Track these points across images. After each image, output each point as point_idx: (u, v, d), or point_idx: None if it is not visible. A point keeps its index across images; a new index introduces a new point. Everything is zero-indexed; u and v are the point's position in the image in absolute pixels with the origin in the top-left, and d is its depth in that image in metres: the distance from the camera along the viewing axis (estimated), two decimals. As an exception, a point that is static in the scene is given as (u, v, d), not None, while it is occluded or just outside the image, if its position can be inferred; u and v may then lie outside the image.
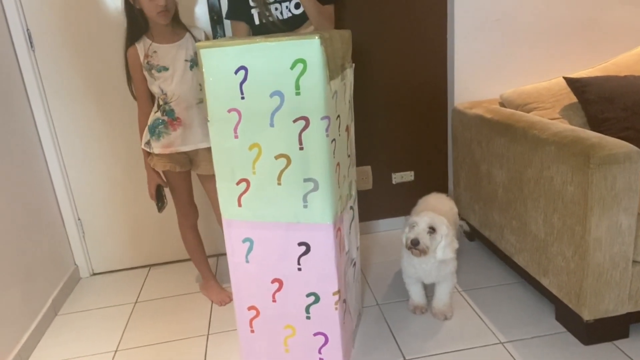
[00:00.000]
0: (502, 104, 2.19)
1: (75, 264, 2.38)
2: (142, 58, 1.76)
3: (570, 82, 2.00)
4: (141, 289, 2.25)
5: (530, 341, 1.64)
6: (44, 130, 2.18)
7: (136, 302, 2.13)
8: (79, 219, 2.34)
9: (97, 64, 2.16)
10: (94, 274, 2.43)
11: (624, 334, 1.60)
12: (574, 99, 2.00)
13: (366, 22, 2.24)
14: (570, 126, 1.67)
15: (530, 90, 2.11)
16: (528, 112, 2.03)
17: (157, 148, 1.83)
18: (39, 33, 2.09)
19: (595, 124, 1.90)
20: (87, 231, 2.37)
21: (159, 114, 1.81)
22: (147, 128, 1.84)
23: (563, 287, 1.62)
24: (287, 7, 1.81)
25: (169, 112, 1.80)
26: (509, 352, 1.60)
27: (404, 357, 1.62)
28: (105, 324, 2.00)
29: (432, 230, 1.62)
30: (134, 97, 1.86)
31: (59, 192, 2.27)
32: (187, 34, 1.82)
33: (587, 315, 1.55)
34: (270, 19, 1.81)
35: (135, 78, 1.81)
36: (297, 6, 1.80)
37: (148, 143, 1.84)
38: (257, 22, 1.84)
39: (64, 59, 2.14)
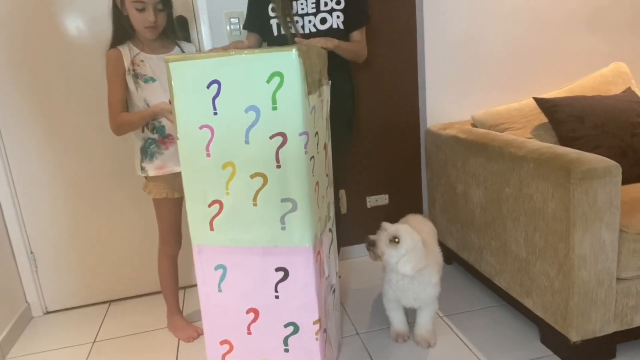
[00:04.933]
0: (474, 125, 2.20)
1: (27, 302, 2.18)
2: (127, 64, 1.64)
3: (541, 102, 2.03)
4: (100, 327, 2.07)
5: (517, 366, 1.58)
6: (-6, 156, 2.03)
7: (94, 342, 1.95)
8: (31, 252, 2.16)
9: (51, 91, 2.04)
10: (48, 312, 2.23)
11: (611, 355, 1.56)
12: (545, 119, 2.03)
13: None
14: (547, 143, 1.67)
15: (502, 111, 2.13)
16: (500, 132, 2.03)
17: (151, 170, 1.70)
18: (-9, 53, 1.97)
19: (566, 143, 1.91)
20: (40, 265, 2.18)
21: (148, 133, 1.69)
22: (138, 151, 1.71)
23: (548, 308, 1.58)
24: (310, 21, 1.69)
25: (159, 129, 1.68)
26: (498, 379, 1.53)
27: (388, 389, 1.53)
28: (59, 368, 1.81)
29: (395, 240, 1.54)
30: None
31: (9, 222, 2.09)
32: (176, 48, 1.73)
33: (574, 337, 1.50)
34: (293, 30, 1.68)
35: (113, 82, 1.63)
36: (322, 21, 1.69)
37: (143, 169, 1.71)
38: (275, 33, 1.72)
39: (18, 86, 2.01)
